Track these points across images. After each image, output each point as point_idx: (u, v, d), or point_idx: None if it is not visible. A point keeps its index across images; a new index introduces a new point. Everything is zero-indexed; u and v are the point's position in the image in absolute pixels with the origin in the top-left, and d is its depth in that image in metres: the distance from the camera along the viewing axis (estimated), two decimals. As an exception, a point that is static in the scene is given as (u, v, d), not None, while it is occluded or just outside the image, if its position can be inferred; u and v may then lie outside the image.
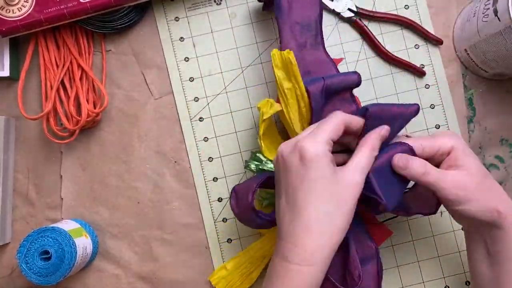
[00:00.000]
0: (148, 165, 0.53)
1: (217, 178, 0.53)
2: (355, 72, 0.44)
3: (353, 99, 0.45)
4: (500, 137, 0.53)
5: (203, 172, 0.53)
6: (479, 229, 0.42)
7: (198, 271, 0.52)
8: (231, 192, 0.45)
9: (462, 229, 0.47)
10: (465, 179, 0.39)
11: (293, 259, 0.36)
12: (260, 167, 0.47)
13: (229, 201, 0.46)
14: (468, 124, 0.53)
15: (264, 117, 0.45)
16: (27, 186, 0.53)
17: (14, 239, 0.52)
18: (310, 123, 0.44)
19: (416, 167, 0.39)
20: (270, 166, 0.47)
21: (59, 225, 0.48)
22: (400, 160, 0.40)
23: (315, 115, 0.44)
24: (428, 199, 0.43)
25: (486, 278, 0.42)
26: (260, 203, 0.50)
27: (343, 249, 0.42)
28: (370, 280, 0.42)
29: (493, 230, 0.40)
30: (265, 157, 0.47)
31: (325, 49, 0.47)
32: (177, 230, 0.52)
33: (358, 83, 0.44)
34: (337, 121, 0.39)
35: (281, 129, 0.50)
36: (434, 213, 0.43)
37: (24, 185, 0.53)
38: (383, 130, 0.40)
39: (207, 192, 0.53)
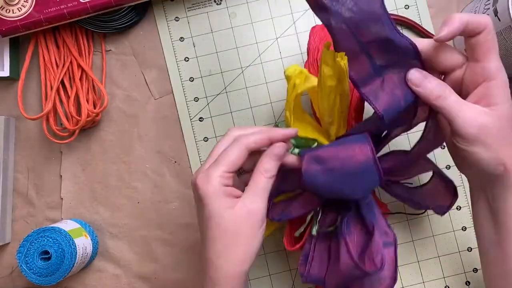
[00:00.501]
0: (148, 165, 0.53)
1: (217, 178, 0.53)
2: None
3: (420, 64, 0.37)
4: (500, 137, 0.53)
5: (203, 172, 0.53)
6: (481, 181, 0.39)
7: (198, 271, 0.52)
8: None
9: (469, 186, 0.43)
10: (487, 120, 0.34)
11: (206, 285, 0.37)
12: (303, 144, 0.43)
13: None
14: (468, 124, 0.53)
15: (298, 91, 0.43)
16: (27, 186, 0.53)
17: (14, 239, 0.52)
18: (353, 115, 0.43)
19: (431, 87, 0.35)
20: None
21: (59, 225, 0.48)
22: (415, 75, 0.36)
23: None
24: (442, 195, 0.43)
25: (489, 238, 0.39)
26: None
27: (364, 231, 0.42)
28: (388, 265, 0.42)
29: (496, 185, 0.37)
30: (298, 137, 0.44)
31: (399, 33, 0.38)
32: (177, 230, 0.52)
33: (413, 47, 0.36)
34: (237, 150, 0.37)
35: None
36: (446, 211, 0.42)
37: (24, 185, 0.53)
38: (275, 148, 0.39)
39: (207, 192, 0.52)
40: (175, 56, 0.53)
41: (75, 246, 0.46)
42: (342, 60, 0.37)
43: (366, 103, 0.45)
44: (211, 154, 0.39)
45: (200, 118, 0.53)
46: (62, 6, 0.49)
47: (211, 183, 0.36)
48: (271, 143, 0.39)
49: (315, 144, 0.44)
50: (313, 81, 0.43)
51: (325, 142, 0.45)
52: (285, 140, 0.40)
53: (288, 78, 0.44)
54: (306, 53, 0.53)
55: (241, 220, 0.36)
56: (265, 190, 0.37)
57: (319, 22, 0.54)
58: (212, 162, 0.38)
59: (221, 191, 0.36)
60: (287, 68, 0.44)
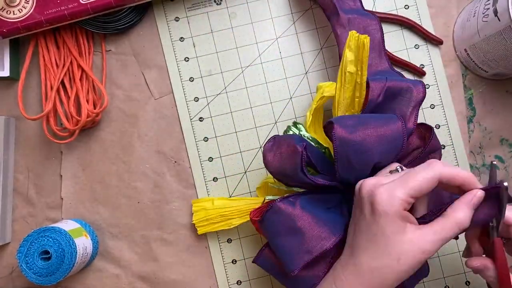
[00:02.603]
0: (148, 165, 0.53)
1: (217, 178, 0.53)
2: (420, 82, 0.44)
3: (413, 118, 0.43)
4: (500, 137, 0.53)
5: (203, 172, 0.53)
6: None
7: (198, 271, 0.52)
8: (269, 141, 0.43)
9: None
10: None
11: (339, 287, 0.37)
12: (300, 134, 0.47)
13: (262, 149, 0.44)
14: (468, 124, 0.53)
15: (326, 94, 0.46)
16: (27, 186, 0.53)
17: (14, 239, 0.52)
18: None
19: None
20: (307, 136, 0.46)
21: (59, 225, 0.48)
22: None
23: (367, 111, 0.43)
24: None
25: None
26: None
27: None
28: None
29: None
30: (306, 130, 0.47)
31: (389, 63, 0.49)
32: (177, 230, 0.52)
33: (421, 96, 0.43)
34: (428, 178, 0.34)
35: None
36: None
37: (24, 185, 0.53)
38: (475, 198, 0.35)
39: (207, 192, 0.53)
40: (175, 56, 0.53)
41: (75, 246, 0.46)
42: (365, 38, 0.41)
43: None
44: (394, 175, 0.37)
45: (200, 118, 0.53)
46: (63, 7, 0.49)
47: (394, 204, 0.34)
48: (462, 187, 0.36)
49: (325, 150, 0.45)
50: None
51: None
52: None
53: (318, 87, 0.47)
54: (305, 53, 0.54)
55: (409, 253, 0.34)
56: (446, 241, 0.35)
57: (318, 22, 0.54)
58: (397, 177, 0.36)
59: (400, 214, 0.34)
60: (320, 83, 0.48)
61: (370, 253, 0.35)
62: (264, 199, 0.47)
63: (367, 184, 0.36)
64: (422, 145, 0.45)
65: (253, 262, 0.46)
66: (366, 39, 0.42)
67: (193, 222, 0.50)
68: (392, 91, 0.43)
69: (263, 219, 0.42)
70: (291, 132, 0.47)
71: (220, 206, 0.50)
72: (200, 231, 0.50)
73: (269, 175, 0.49)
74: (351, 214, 0.43)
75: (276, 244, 0.42)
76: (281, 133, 0.53)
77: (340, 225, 0.41)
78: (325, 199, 0.43)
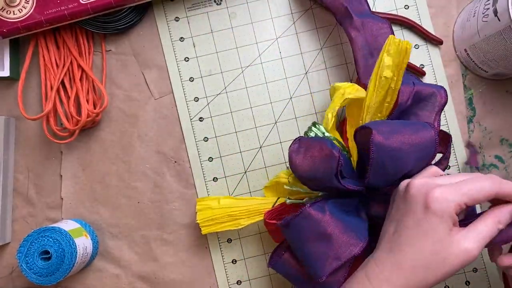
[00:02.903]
0: (148, 165, 0.53)
1: (217, 178, 0.53)
2: (442, 87, 0.44)
3: (436, 123, 0.43)
4: (500, 137, 0.53)
5: (203, 172, 0.53)
6: None
7: (198, 271, 0.52)
8: (294, 143, 0.42)
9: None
10: None
11: (372, 282, 0.37)
12: (324, 135, 0.46)
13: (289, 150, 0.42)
14: (468, 124, 0.53)
15: (347, 96, 0.44)
16: (27, 186, 0.53)
17: (14, 239, 0.52)
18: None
19: None
20: (332, 138, 0.45)
21: (59, 225, 0.48)
22: None
23: (394, 115, 0.43)
24: None
25: None
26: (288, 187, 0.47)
27: None
28: None
29: None
30: (327, 130, 0.45)
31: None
32: (177, 230, 0.52)
33: (444, 101, 0.44)
34: (486, 190, 0.35)
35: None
36: None
37: (24, 185, 0.53)
38: None
39: (207, 192, 0.53)
40: (175, 56, 0.53)
41: (75, 246, 0.46)
42: (408, 44, 0.41)
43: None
44: (450, 177, 0.37)
45: (200, 118, 0.53)
46: (63, 7, 0.49)
47: (449, 205, 0.35)
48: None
49: (346, 153, 0.45)
50: (363, 93, 0.45)
51: (354, 157, 0.45)
52: None
53: (336, 88, 0.46)
54: (305, 53, 0.54)
55: (455, 253, 0.35)
56: (489, 239, 0.36)
57: (318, 22, 0.54)
58: (453, 180, 0.37)
59: (452, 217, 0.35)
60: (338, 83, 0.47)
61: (416, 250, 0.36)
62: (277, 200, 0.46)
63: (418, 182, 0.37)
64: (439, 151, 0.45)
65: (268, 266, 0.45)
66: (408, 45, 0.41)
67: (197, 221, 0.49)
68: (418, 96, 0.44)
69: (290, 224, 0.41)
70: (312, 133, 0.45)
71: (227, 206, 0.48)
72: (205, 230, 0.49)
73: (280, 174, 0.48)
74: (369, 218, 0.43)
75: (302, 250, 0.41)
76: (282, 133, 0.53)
77: (364, 230, 0.41)
78: (345, 203, 0.43)
